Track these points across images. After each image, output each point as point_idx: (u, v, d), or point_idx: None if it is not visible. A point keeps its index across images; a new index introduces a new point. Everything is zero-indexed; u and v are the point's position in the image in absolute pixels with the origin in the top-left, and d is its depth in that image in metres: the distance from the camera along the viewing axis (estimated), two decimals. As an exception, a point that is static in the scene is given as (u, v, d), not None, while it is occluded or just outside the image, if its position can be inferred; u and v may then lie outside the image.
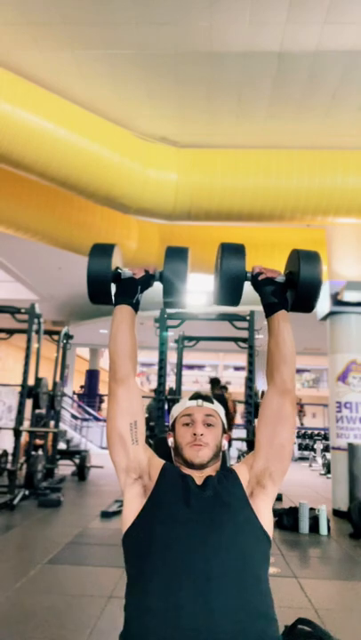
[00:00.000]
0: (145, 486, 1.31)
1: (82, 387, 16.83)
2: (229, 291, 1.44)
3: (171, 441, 1.42)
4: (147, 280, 1.45)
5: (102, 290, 1.43)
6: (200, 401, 1.42)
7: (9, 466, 5.99)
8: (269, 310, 1.40)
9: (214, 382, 8.15)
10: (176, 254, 1.46)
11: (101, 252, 1.44)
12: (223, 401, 7.82)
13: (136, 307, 1.43)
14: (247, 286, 1.49)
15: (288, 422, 1.34)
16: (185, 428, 1.38)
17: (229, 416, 7.96)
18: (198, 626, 1.04)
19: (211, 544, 1.17)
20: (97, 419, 14.92)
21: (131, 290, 1.43)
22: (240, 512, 1.25)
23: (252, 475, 1.33)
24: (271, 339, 1.38)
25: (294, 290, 1.39)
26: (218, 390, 7.94)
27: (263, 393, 7.83)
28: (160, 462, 1.35)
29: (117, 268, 1.46)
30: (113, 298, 1.44)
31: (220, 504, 1.25)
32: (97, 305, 1.48)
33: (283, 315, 1.39)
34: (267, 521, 1.27)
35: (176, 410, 1.45)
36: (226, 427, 1.47)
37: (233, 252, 1.46)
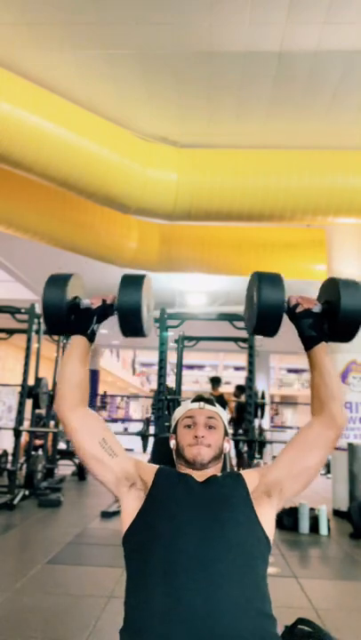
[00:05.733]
0: (140, 490, 1.31)
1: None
2: (268, 323, 1.37)
3: (173, 443, 1.43)
4: (103, 310, 1.41)
5: (58, 320, 1.40)
6: (202, 403, 1.42)
7: (9, 466, 5.98)
8: (308, 343, 1.36)
9: (215, 381, 8.16)
10: (129, 283, 1.42)
11: (57, 282, 1.42)
12: (223, 402, 7.84)
13: (91, 337, 1.39)
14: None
15: (325, 450, 1.33)
16: (186, 430, 1.39)
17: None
18: (199, 622, 1.05)
19: (212, 540, 1.17)
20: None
21: (86, 320, 1.40)
22: (242, 511, 1.26)
23: (263, 482, 1.32)
24: (315, 373, 1.35)
25: (333, 320, 1.34)
26: (237, 393, 8.04)
27: (263, 393, 7.84)
28: (152, 466, 1.36)
29: (76, 297, 1.43)
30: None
31: (222, 501, 1.26)
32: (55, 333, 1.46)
33: (324, 348, 1.35)
34: (268, 526, 1.27)
35: (178, 412, 1.46)
36: (228, 429, 1.47)
37: (271, 283, 1.39)
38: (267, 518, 1.28)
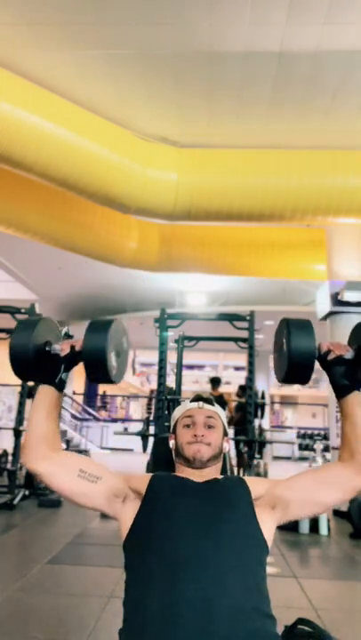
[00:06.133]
0: (135, 500, 1.30)
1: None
2: (299, 372, 1.33)
3: (172, 443, 1.43)
4: (71, 358, 1.35)
5: (24, 365, 1.34)
6: (201, 403, 1.42)
7: (9, 466, 5.98)
8: (341, 392, 1.34)
9: (215, 382, 8.16)
10: (94, 330, 1.35)
11: (25, 326, 1.36)
12: (223, 402, 7.84)
13: (60, 386, 1.34)
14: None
15: (344, 494, 1.31)
16: (186, 430, 1.39)
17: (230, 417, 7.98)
18: (198, 623, 1.04)
19: (211, 540, 1.17)
20: (97, 419, 14.93)
21: (53, 369, 1.34)
22: (243, 513, 1.26)
23: (270, 494, 1.31)
24: (346, 422, 1.33)
25: None
26: (240, 393, 8.04)
27: (263, 393, 7.84)
28: (146, 475, 1.35)
29: (47, 342, 1.37)
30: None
31: (223, 502, 1.26)
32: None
33: (356, 397, 1.32)
34: (267, 533, 1.27)
35: (177, 412, 1.46)
36: (227, 429, 1.47)
37: (301, 330, 1.34)
38: (267, 526, 1.27)
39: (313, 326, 1.36)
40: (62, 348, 1.35)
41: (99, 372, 1.34)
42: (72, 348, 1.35)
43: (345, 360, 1.33)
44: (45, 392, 1.33)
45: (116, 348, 1.38)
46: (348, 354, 1.33)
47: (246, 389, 6.11)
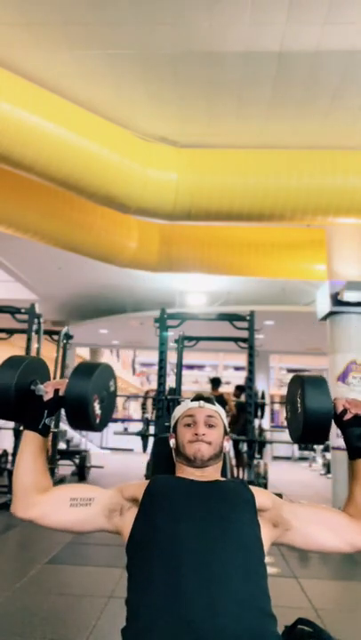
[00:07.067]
0: (132, 507, 1.30)
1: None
2: (315, 432, 1.30)
3: (172, 442, 1.43)
4: (54, 403, 1.31)
5: (5, 404, 1.29)
6: (202, 402, 1.42)
7: (9, 466, 5.98)
8: (355, 454, 1.32)
9: (215, 382, 8.16)
10: (79, 374, 1.30)
11: (11, 364, 1.32)
12: (223, 401, 7.84)
13: (44, 432, 1.31)
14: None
15: (345, 546, 1.30)
16: (186, 429, 1.39)
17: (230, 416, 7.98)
18: (201, 620, 1.05)
19: (213, 537, 1.17)
20: (97, 418, 14.90)
21: (37, 413, 1.30)
22: (246, 513, 1.26)
23: (276, 510, 1.31)
24: (354, 483, 1.33)
25: None
26: (237, 393, 8.06)
27: (263, 393, 7.83)
28: (141, 482, 1.35)
29: (33, 381, 1.33)
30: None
31: (225, 502, 1.26)
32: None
33: None
34: (266, 538, 1.27)
35: (178, 411, 1.46)
36: (227, 429, 1.47)
37: (316, 388, 1.30)
38: (266, 537, 1.27)
39: (327, 384, 1.33)
40: (47, 391, 1.32)
41: (80, 421, 1.30)
42: (56, 392, 1.32)
43: None
44: (30, 439, 1.30)
45: (102, 395, 1.35)
46: None
47: (246, 389, 6.11)
